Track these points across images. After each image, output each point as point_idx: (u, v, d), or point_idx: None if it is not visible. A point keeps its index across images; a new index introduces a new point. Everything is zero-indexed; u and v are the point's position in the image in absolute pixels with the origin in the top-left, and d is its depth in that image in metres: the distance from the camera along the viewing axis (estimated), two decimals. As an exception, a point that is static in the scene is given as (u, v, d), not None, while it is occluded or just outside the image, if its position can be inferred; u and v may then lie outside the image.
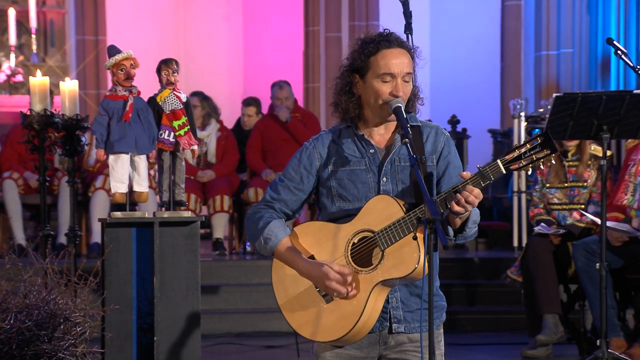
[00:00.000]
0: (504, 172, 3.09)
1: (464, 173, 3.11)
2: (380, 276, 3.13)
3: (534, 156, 3.07)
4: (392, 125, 3.29)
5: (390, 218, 3.13)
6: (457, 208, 3.06)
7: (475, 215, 3.21)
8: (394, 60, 3.20)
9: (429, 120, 3.41)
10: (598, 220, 5.99)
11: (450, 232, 3.21)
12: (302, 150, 3.35)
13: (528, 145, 3.08)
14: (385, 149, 3.28)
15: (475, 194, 3.05)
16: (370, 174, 3.26)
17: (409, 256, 3.10)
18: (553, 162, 3.09)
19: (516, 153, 3.09)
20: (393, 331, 3.26)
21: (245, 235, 8.84)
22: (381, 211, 3.15)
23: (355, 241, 3.19)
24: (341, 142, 3.30)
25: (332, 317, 3.18)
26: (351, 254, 3.18)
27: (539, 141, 3.06)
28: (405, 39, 3.33)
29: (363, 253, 3.18)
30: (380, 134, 3.30)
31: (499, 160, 3.09)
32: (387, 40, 3.24)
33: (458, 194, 3.06)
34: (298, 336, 3.27)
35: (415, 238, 3.07)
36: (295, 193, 3.33)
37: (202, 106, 8.84)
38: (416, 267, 3.06)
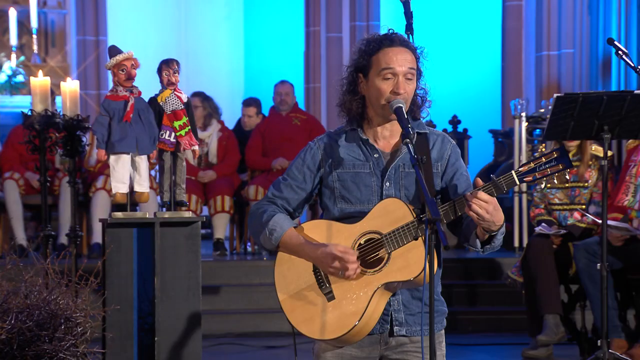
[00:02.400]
0: (518, 183, 3.09)
1: (477, 180, 3.10)
2: (385, 278, 3.13)
3: (548, 170, 3.08)
4: (398, 129, 3.27)
5: (399, 222, 3.13)
6: (470, 212, 3.05)
7: (503, 227, 3.19)
8: (395, 57, 3.20)
9: (430, 121, 3.41)
10: (599, 221, 5.99)
11: (478, 244, 3.20)
12: (306, 150, 3.35)
13: (544, 159, 3.08)
14: (391, 154, 3.28)
15: (482, 198, 3.02)
16: (373, 177, 3.25)
17: (415, 260, 3.09)
18: (567, 177, 3.10)
19: (531, 166, 3.09)
20: (395, 334, 3.25)
21: (246, 235, 8.85)
22: (390, 214, 3.15)
23: (362, 242, 3.18)
24: (346, 144, 3.30)
25: (332, 316, 3.17)
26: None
27: (555, 155, 3.07)
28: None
29: (369, 254, 3.17)
30: (385, 138, 3.29)
31: (513, 172, 3.09)
32: (390, 39, 3.24)
33: (469, 199, 3.05)
34: (297, 336, 3.26)
35: (416, 238, 3.07)
36: (297, 192, 3.33)
37: (203, 106, 8.84)
38: (422, 272, 3.05)
